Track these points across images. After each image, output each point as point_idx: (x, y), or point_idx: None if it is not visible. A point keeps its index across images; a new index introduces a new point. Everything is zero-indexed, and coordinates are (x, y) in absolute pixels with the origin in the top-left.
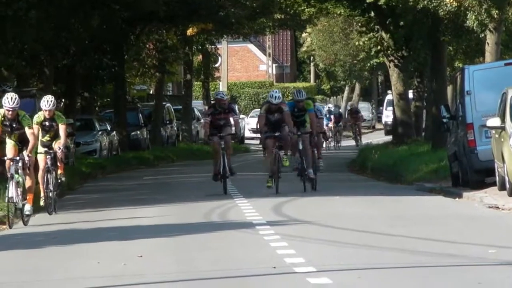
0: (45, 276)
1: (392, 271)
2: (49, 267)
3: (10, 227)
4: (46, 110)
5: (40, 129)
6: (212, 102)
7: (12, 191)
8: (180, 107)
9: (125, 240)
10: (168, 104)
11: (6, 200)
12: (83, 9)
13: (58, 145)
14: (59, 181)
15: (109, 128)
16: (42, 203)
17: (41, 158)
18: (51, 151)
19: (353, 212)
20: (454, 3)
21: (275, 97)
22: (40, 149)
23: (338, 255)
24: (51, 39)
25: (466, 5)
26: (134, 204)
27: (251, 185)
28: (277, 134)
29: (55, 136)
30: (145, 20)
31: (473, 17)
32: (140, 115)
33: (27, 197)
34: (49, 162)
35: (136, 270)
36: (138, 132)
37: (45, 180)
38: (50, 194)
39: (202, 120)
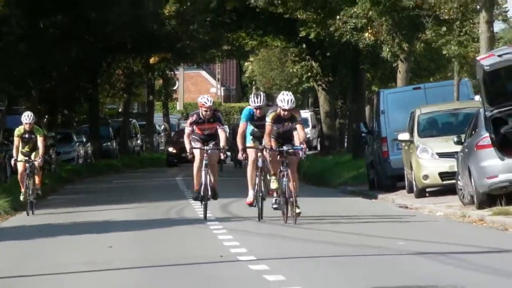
0: (33, 262)
1: (319, 259)
2: (37, 255)
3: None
4: (26, 124)
5: (20, 141)
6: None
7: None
8: (144, 122)
9: (98, 233)
10: (134, 120)
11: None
12: (63, 41)
13: (37, 156)
14: (36, 192)
15: (84, 140)
16: (22, 198)
17: (20, 164)
18: (30, 160)
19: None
20: (372, 37)
21: (288, 100)
22: (21, 157)
23: (275, 246)
24: (36, 67)
25: (382, 39)
26: (105, 204)
27: None
28: (287, 149)
29: (34, 147)
30: (115, 50)
31: (387, 49)
32: (111, 129)
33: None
34: (28, 169)
35: (108, 258)
36: (109, 143)
37: (25, 185)
38: (29, 198)
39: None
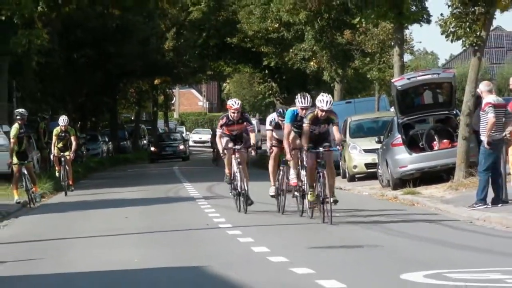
0: (68, 228)
1: (277, 227)
2: (71, 223)
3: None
4: (62, 126)
5: (56, 138)
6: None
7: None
8: (150, 127)
9: (116, 208)
10: (143, 126)
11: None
12: (91, 68)
13: (70, 151)
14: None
15: (107, 140)
16: (57, 174)
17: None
18: (63, 155)
19: (256, 191)
20: (316, 65)
21: (326, 101)
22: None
23: (246, 217)
24: (71, 87)
25: (323, 66)
26: (122, 186)
27: (194, 173)
28: (324, 149)
29: (68, 143)
30: (128, 75)
31: (327, 74)
32: (126, 132)
33: (70, 181)
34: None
35: (123, 226)
36: (125, 142)
37: (60, 174)
38: (63, 183)
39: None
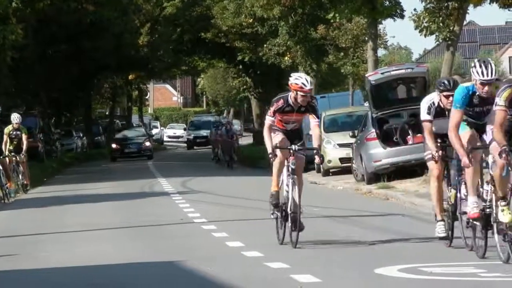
0: (45, 224)
1: (251, 222)
2: (48, 218)
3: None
4: (14, 123)
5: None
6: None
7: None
8: (124, 122)
9: (91, 203)
10: (117, 121)
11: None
12: (66, 63)
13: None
14: (6, 190)
15: (81, 135)
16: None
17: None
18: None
19: (229, 186)
20: (290, 60)
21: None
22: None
23: (220, 212)
24: (46, 82)
25: (297, 61)
26: (97, 181)
27: (168, 168)
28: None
29: (20, 143)
30: (103, 70)
31: (302, 68)
32: (100, 127)
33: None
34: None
35: (98, 221)
36: (99, 137)
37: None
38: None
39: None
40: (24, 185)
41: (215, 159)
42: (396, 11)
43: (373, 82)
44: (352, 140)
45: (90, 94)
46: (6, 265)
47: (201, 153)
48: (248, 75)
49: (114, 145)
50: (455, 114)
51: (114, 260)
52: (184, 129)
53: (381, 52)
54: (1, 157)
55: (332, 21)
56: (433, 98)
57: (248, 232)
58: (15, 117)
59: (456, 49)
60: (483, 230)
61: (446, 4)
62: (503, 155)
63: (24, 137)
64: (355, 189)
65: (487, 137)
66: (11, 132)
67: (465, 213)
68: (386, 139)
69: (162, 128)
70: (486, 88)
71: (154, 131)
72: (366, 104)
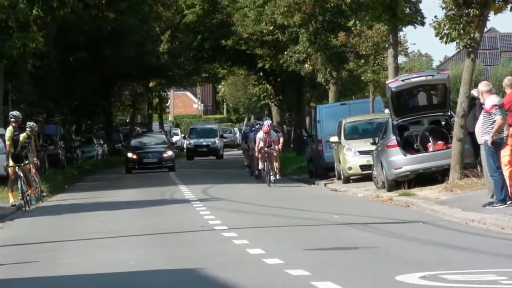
0: (65, 231)
1: (272, 229)
2: (68, 225)
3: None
4: (29, 131)
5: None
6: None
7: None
8: (145, 129)
9: (112, 210)
10: (138, 128)
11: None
12: (87, 71)
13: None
14: (28, 197)
15: (102, 142)
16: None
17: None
18: (20, 164)
19: (250, 193)
20: (310, 67)
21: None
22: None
23: (241, 219)
24: (67, 89)
25: (317, 68)
26: (117, 188)
27: (190, 177)
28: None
29: (27, 150)
30: (124, 77)
31: (321, 76)
32: (121, 134)
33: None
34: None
35: (120, 229)
36: (120, 145)
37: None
38: (25, 196)
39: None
40: (41, 194)
41: (254, 174)
42: (416, 18)
43: (394, 89)
44: (373, 147)
45: (110, 101)
46: (26, 272)
47: (227, 160)
48: (269, 82)
49: (129, 154)
50: None
51: (134, 267)
52: (184, 138)
53: (401, 59)
54: (22, 164)
55: (352, 28)
56: None
57: (269, 239)
58: (34, 125)
59: (476, 56)
60: None
61: (466, 11)
62: None
63: (32, 144)
64: (376, 196)
65: None
66: (25, 141)
67: None
68: (407, 146)
69: (183, 135)
70: None
71: (174, 139)
72: (387, 111)
